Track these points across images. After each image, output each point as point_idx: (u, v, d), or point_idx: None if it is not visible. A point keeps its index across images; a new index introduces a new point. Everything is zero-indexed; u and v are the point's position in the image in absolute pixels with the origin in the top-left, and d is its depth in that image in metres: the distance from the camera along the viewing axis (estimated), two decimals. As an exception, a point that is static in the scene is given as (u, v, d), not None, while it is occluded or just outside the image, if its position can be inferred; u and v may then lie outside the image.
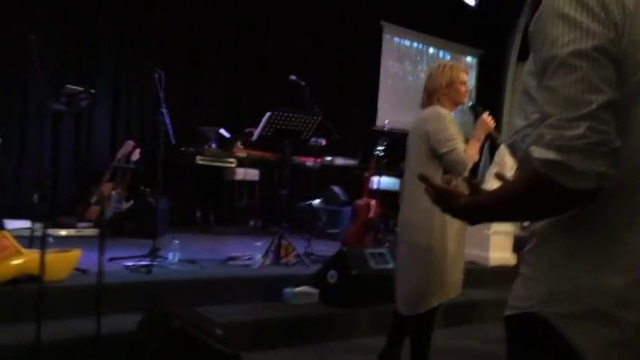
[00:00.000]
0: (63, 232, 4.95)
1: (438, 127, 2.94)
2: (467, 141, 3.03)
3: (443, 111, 3.00)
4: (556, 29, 1.00)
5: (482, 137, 3.07)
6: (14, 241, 3.11)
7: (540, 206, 1.02)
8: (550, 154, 0.95)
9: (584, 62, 0.97)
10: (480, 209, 1.13)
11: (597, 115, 0.95)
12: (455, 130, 2.96)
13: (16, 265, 3.07)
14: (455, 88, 3.05)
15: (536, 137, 1.00)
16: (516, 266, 4.49)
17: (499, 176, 1.36)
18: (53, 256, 3.11)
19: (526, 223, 3.64)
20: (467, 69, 3.21)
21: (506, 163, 5.23)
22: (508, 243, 5.48)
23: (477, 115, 3.15)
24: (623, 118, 0.99)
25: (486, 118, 3.09)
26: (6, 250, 2.96)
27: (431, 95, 3.08)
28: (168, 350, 2.66)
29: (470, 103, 3.26)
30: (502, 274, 5.30)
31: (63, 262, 3.29)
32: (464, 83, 3.09)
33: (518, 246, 4.17)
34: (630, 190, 1.02)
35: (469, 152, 2.96)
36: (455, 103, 3.09)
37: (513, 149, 1.31)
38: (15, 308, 3.05)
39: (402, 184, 3.13)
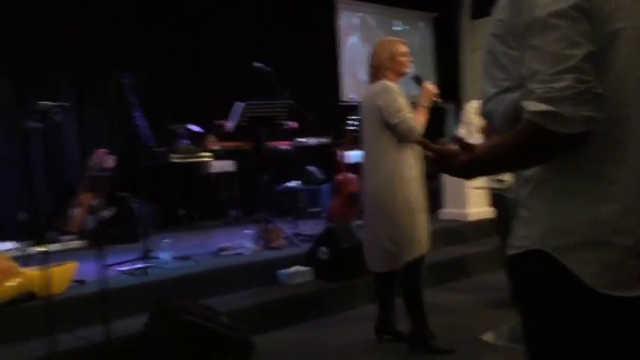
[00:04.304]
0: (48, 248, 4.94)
1: (387, 100, 3.14)
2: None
3: (390, 84, 3.20)
4: None
5: (427, 104, 3.26)
6: (13, 262, 3.14)
7: (538, 153, 1.14)
8: (543, 106, 1.07)
9: (563, 21, 1.09)
10: (479, 164, 1.23)
11: (580, 67, 1.07)
12: (403, 100, 3.16)
13: (17, 284, 3.11)
14: (397, 61, 3.27)
15: (527, 93, 1.11)
16: (494, 219, 4.69)
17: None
18: (51, 271, 3.16)
19: (503, 176, 3.80)
20: (405, 41, 3.40)
21: (473, 122, 5.39)
22: (484, 198, 5.67)
23: (420, 85, 3.33)
24: (599, 66, 1.11)
25: (429, 86, 3.30)
26: (8, 271, 2.99)
27: (377, 70, 3.29)
28: (182, 344, 2.75)
29: (412, 74, 3.43)
30: (482, 228, 5.52)
31: (61, 276, 3.34)
32: (404, 54, 3.30)
33: (494, 199, 4.33)
34: (611, 128, 1.14)
35: (418, 119, 3.17)
36: (399, 75, 3.30)
37: (489, 116, 1.37)
38: (21, 327, 3.10)
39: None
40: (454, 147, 1.27)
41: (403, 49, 3.29)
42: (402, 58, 3.27)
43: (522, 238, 1.23)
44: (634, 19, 1.17)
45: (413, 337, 3.27)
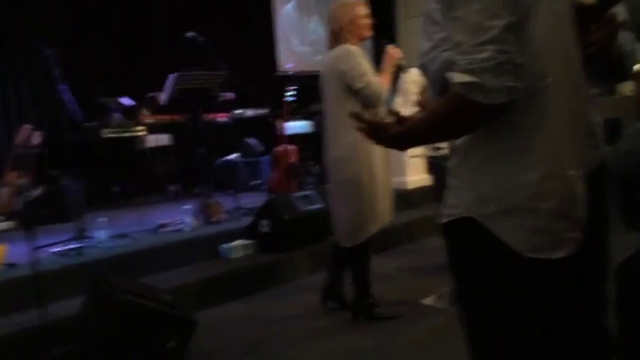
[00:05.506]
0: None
1: (350, 64, 3.03)
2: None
3: (352, 48, 3.08)
4: None
5: (391, 68, 3.18)
6: None
7: (463, 124, 1.16)
8: (466, 77, 1.08)
9: None
10: (410, 135, 1.25)
11: (501, 38, 1.08)
12: (366, 64, 3.06)
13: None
14: (357, 24, 3.14)
15: (452, 64, 1.11)
16: (432, 186, 4.79)
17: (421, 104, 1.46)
18: (-23, 256, 2.99)
19: (439, 145, 3.85)
20: (364, 3, 3.27)
21: (409, 90, 5.44)
22: (422, 166, 5.77)
23: (382, 48, 3.25)
24: (519, 36, 1.13)
25: (392, 49, 3.21)
26: None
27: (337, 35, 3.15)
28: (121, 324, 2.67)
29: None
30: (423, 195, 5.62)
31: (-11, 260, 3.17)
32: (365, 17, 3.17)
33: (431, 167, 4.41)
34: (531, 98, 1.17)
35: (382, 83, 3.08)
36: (360, 38, 3.17)
37: (424, 71, 1.41)
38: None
39: (323, 125, 3.23)
40: (387, 119, 1.28)
41: (363, 11, 3.15)
42: (364, 21, 3.14)
43: (452, 207, 1.26)
44: None
45: (356, 307, 3.30)
